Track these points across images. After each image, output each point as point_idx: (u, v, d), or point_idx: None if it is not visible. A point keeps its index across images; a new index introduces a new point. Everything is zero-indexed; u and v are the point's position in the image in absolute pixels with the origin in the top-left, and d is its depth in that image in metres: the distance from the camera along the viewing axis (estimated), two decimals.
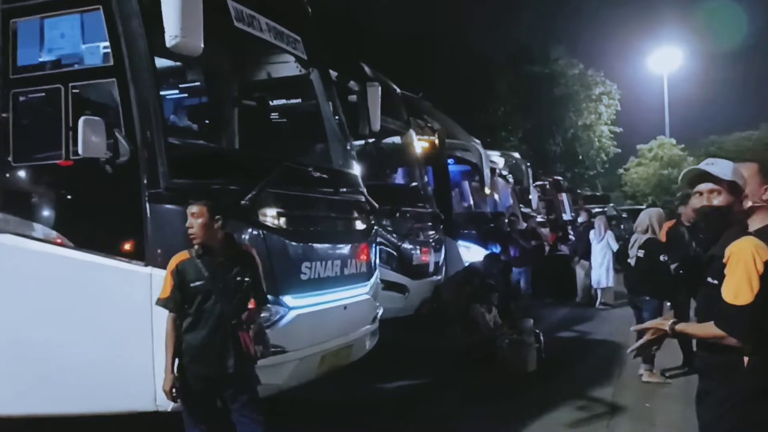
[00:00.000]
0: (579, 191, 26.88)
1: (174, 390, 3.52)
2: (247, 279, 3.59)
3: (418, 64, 24.14)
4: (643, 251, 6.72)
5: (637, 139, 38.73)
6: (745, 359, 2.55)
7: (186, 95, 6.34)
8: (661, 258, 6.55)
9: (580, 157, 34.95)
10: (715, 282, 2.63)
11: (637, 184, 38.28)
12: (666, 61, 39.39)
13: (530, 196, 14.36)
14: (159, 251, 3.89)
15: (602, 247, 11.89)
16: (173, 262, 3.60)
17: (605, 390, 6.50)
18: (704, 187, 2.73)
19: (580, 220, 14.45)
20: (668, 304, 6.83)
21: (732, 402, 2.59)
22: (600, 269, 11.97)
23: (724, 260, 2.59)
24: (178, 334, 3.55)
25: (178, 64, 5.51)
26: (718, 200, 2.70)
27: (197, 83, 6.19)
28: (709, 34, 40.67)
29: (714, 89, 43.33)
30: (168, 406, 3.71)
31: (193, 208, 3.57)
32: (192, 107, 6.32)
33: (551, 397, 6.14)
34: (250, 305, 3.70)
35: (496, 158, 12.28)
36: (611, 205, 26.08)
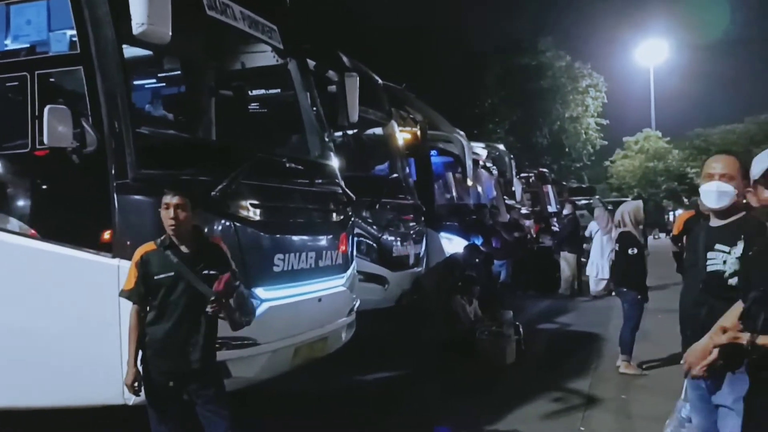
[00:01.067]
0: (565, 183, 26.98)
1: (136, 383, 3.46)
2: (213, 272, 3.51)
3: (409, 57, 24.05)
4: (618, 244, 6.82)
5: (623, 132, 39.12)
6: None
7: (161, 85, 6.25)
8: (629, 251, 6.65)
9: (567, 149, 35.08)
10: None
11: (623, 177, 38.63)
12: (652, 54, 39.62)
13: (514, 188, 14.36)
14: (127, 243, 3.80)
15: (609, 239, 11.41)
16: (138, 253, 3.52)
17: (582, 382, 6.53)
18: None
19: (564, 212, 14.49)
20: (639, 296, 6.86)
21: None
22: (605, 261, 11.64)
23: None
24: (142, 327, 3.48)
25: (153, 52, 5.41)
26: None
27: (172, 72, 6.08)
28: (695, 27, 40.90)
29: (700, 82, 43.69)
30: (131, 399, 3.66)
31: (176, 199, 3.45)
32: (167, 97, 6.22)
33: (528, 390, 6.15)
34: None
35: (480, 150, 12.23)
36: (597, 197, 26.17)
